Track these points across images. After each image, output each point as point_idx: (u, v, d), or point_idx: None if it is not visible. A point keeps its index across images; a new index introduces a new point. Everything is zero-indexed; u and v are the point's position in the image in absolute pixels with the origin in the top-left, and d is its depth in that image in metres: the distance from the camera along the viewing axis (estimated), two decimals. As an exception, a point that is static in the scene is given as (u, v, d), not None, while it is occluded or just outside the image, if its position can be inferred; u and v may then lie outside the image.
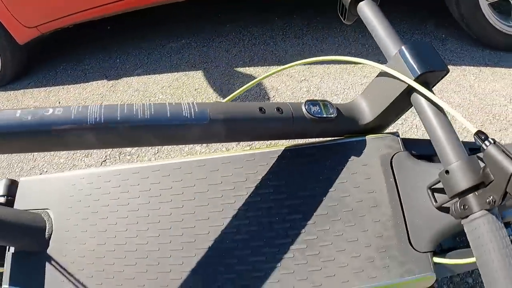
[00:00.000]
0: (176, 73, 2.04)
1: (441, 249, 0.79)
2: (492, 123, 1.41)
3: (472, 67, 1.79)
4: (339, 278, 0.75)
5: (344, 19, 0.96)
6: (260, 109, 0.77)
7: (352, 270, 0.75)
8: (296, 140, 0.92)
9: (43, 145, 0.73)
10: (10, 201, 1.06)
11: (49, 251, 0.86)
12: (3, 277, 0.89)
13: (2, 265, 0.99)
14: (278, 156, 0.86)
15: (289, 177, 0.84)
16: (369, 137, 0.84)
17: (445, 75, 0.75)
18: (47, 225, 0.89)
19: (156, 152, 1.65)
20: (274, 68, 1.96)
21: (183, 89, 1.93)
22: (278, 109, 0.78)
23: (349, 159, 0.83)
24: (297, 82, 1.84)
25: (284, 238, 0.79)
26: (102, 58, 2.34)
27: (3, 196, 1.04)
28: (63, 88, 2.22)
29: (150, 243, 0.80)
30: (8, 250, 0.90)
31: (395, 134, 0.86)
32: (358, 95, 0.89)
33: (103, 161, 1.71)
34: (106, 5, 2.07)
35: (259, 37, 2.12)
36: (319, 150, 0.86)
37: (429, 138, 0.86)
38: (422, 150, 0.86)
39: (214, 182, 0.85)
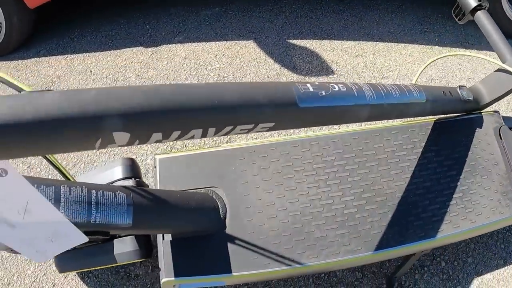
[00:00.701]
0: (224, 41, 1.97)
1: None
2: None
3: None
4: (484, 215, 0.97)
5: (458, 20, 1.21)
6: (443, 92, 0.96)
7: (490, 209, 0.99)
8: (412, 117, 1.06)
9: (325, 119, 0.71)
10: (140, 183, 0.94)
11: (228, 230, 0.81)
12: (162, 269, 0.79)
13: (146, 256, 0.90)
14: (431, 127, 1.06)
15: (441, 143, 1.05)
16: (483, 114, 1.12)
17: None
18: (219, 204, 0.84)
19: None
20: (327, 42, 2.03)
21: (241, 58, 1.87)
22: (449, 92, 0.99)
23: (475, 130, 1.09)
24: (353, 57, 1.89)
25: (448, 189, 0.98)
26: (127, 24, 2.15)
27: (130, 178, 0.93)
28: (88, 56, 2.01)
29: (347, 206, 0.86)
30: (163, 239, 0.80)
31: (497, 112, 1.15)
32: (477, 82, 1.13)
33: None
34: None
35: (299, 10, 2.13)
36: (458, 122, 1.11)
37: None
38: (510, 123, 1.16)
39: (390, 148, 0.98)
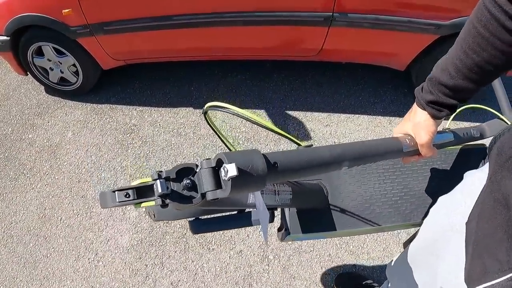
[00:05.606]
0: (246, 108, 2.90)
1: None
2: None
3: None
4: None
5: None
6: (463, 133, 1.12)
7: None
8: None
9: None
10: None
11: (330, 205, 1.21)
12: (289, 228, 1.14)
13: (271, 221, 1.15)
14: (456, 154, 1.29)
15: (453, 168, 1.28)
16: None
17: None
18: (324, 190, 1.23)
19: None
20: (309, 113, 2.84)
21: (256, 127, 2.94)
22: (466, 133, 1.13)
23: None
24: (324, 126, 2.79)
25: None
26: (177, 85, 2.92)
27: None
28: (154, 110, 2.77)
29: (394, 196, 1.24)
30: (289, 210, 1.17)
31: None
32: (484, 124, 1.22)
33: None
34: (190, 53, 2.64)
35: (293, 84, 2.90)
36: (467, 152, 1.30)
37: None
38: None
39: (428, 164, 1.28)
